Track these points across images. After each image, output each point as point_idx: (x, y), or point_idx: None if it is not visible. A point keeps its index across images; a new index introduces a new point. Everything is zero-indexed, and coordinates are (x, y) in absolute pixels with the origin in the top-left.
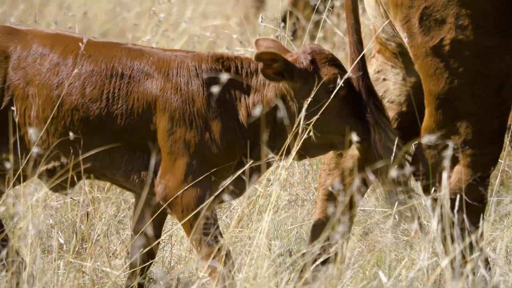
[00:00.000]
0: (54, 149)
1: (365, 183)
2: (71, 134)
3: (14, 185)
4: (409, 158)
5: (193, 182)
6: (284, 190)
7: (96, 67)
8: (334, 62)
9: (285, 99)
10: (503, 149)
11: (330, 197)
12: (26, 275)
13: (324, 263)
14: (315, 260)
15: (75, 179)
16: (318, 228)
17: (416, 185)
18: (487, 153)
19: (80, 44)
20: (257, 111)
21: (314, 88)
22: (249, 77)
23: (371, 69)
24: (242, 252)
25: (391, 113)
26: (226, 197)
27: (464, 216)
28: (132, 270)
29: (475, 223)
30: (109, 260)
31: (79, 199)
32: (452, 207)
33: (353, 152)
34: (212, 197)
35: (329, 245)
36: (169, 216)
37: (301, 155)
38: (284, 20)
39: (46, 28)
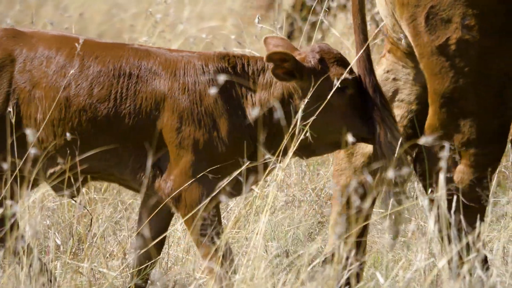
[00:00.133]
0: (61, 150)
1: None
2: (76, 135)
3: (20, 188)
4: (409, 159)
5: (200, 179)
6: (281, 191)
7: (103, 68)
8: (342, 61)
9: (292, 97)
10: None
11: (345, 195)
12: (23, 276)
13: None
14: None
15: (80, 180)
16: (340, 227)
17: (417, 185)
18: (487, 153)
19: (76, 44)
20: (264, 109)
21: (321, 88)
22: (256, 75)
23: (381, 68)
24: (239, 253)
25: (401, 112)
26: (242, 191)
27: (461, 216)
28: (138, 269)
29: (472, 224)
30: (106, 261)
31: (76, 199)
32: (450, 207)
33: (364, 150)
34: (215, 192)
35: (362, 241)
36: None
37: (308, 154)
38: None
39: (50, 30)
